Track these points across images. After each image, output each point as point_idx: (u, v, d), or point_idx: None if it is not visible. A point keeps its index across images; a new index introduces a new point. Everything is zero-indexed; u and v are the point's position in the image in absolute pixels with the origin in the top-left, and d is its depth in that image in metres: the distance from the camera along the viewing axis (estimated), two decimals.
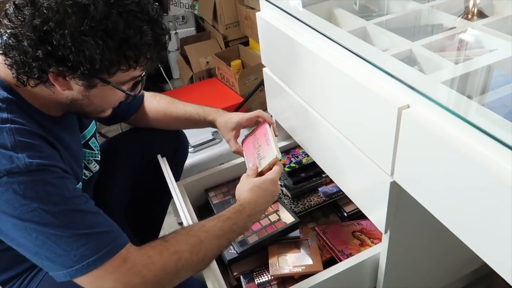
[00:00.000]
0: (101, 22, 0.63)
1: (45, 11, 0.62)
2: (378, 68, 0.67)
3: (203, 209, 1.22)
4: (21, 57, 0.64)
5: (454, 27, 0.89)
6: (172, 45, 2.46)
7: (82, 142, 0.91)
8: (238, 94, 2.03)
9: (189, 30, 2.46)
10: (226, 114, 1.07)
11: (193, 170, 1.48)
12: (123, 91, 0.74)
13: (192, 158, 1.50)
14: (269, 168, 0.88)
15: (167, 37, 0.72)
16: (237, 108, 1.89)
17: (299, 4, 1.03)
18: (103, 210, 1.04)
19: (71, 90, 0.70)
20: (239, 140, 1.06)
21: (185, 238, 0.75)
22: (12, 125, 0.66)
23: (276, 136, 0.95)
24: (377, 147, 0.72)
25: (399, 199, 0.74)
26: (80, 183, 0.84)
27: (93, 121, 0.96)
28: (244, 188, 0.86)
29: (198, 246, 0.74)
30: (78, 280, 0.68)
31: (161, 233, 1.28)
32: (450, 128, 0.56)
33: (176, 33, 2.44)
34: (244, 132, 1.09)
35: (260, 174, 0.89)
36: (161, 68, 2.39)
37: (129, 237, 1.01)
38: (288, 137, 1.27)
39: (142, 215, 1.17)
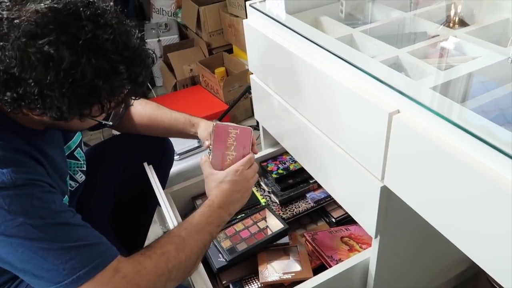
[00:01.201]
0: (68, 73, 0.59)
1: (6, 57, 0.58)
2: (368, 74, 0.68)
3: None
4: None
5: (438, 35, 0.91)
6: (155, 53, 2.44)
7: (68, 153, 0.89)
8: (222, 102, 2.03)
9: (172, 37, 2.45)
10: (209, 121, 1.07)
11: (179, 178, 1.46)
12: (101, 122, 0.73)
13: (177, 166, 1.48)
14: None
15: (150, 61, 0.69)
16: (222, 116, 1.88)
17: (286, 11, 1.04)
18: (87, 218, 1.02)
19: (47, 119, 0.67)
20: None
21: (168, 239, 0.75)
22: None
23: (255, 153, 0.94)
24: (367, 152, 0.73)
25: (389, 204, 0.75)
26: (66, 196, 0.82)
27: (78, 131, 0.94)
28: (210, 187, 0.87)
29: (181, 244, 0.75)
30: None
31: (147, 242, 1.26)
32: (441, 132, 0.58)
33: (159, 40, 2.43)
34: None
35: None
36: None
37: (115, 245, 1.00)
38: (275, 143, 1.27)
39: (127, 223, 1.15)
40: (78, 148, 0.93)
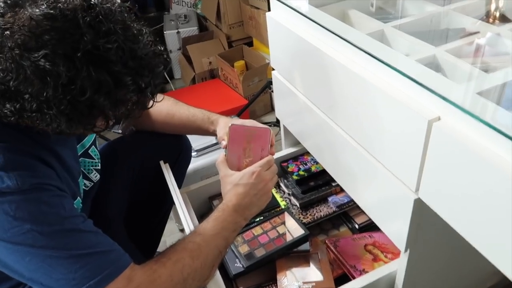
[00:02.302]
0: (66, 89, 0.54)
1: (1, 69, 0.53)
2: (405, 76, 0.62)
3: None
4: None
5: (477, 32, 0.84)
6: (174, 45, 2.40)
7: (82, 151, 0.85)
8: (241, 96, 1.98)
9: (192, 29, 2.40)
10: (229, 118, 1.01)
11: (196, 176, 1.42)
12: (110, 130, 0.69)
13: (195, 163, 1.44)
14: None
15: (161, 69, 0.64)
16: (241, 111, 1.83)
17: (312, 4, 0.97)
18: (102, 219, 0.99)
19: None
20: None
21: (183, 246, 0.72)
22: (2, 143, 0.61)
23: (272, 154, 0.88)
24: (401, 162, 0.67)
25: (422, 217, 0.69)
26: (78, 198, 0.79)
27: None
28: (224, 190, 0.83)
29: (197, 250, 0.72)
30: None
31: (162, 240, 1.23)
32: (487, 143, 0.51)
33: (178, 32, 2.39)
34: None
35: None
36: None
37: (129, 248, 0.96)
38: (296, 143, 1.22)
39: (142, 222, 1.12)
40: (93, 146, 0.90)
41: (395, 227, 0.75)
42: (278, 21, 0.93)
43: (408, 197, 0.67)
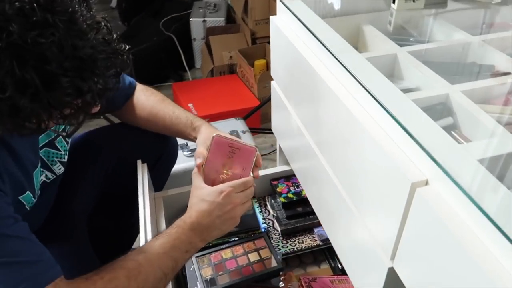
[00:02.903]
0: None
1: None
2: (396, 122, 0.50)
3: None
4: None
5: (509, 73, 0.70)
6: (199, 33, 2.33)
7: (47, 141, 0.78)
8: (255, 97, 1.88)
9: (219, 20, 2.31)
10: (213, 127, 0.92)
11: (186, 177, 1.34)
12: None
13: (186, 163, 1.36)
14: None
15: (114, 72, 0.56)
16: (251, 113, 1.74)
17: (324, 13, 0.86)
18: (66, 214, 0.93)
19: None
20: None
21: (121, 263, 0.65)
22: None
23: (255, 177, 0.79)
24: (380, 221, 0.55)
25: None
26: (28, 192, 0.72)
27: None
28: (190, 203, 0.76)
29: (136, 270, 0.65)
30: None
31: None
32: (478, 233, 0.39)
33: (204, 21, 2.30)
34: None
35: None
36: (182, 56, 2.26)
37: (84, 249, 0.89)
38: None
39: (111, 226, 1.05)
40: (60, 137, 0.82)
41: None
42: (279, 28, 0.82)
43: (382, 263, 0.55)
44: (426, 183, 0.46)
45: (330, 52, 0.65)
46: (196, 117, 0.94)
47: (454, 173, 0.42)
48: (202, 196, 0.74)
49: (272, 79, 0.98)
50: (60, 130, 0.73)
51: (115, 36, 0.57)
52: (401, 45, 0.79)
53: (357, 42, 0.90)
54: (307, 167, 0.84)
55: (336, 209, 0.71)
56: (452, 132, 0.62)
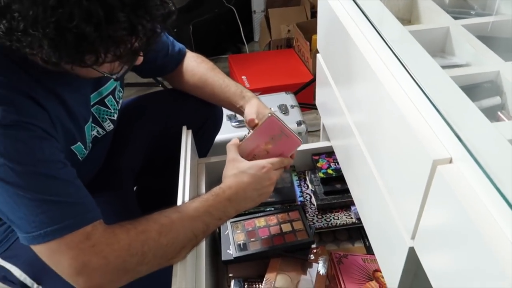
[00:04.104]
0: (54, 12, 0.51)
1: None
2: (425, 96, 0.48)
3: None
4: None
5: None
6: (259, 5, 2.31)
7: (98, 99, 0.84)
8: (310, 72, 1.85)
9: None
10: (263, 103, 0.93)
11: None
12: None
13: (234, 133, 1.39)
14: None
15: (162, 15, 0.59)
16: (302, 88, 1.72)
17: None
18: (115, 171, 1.01)
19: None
20: None
21: (156, 218, 0.69)
22: None
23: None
24: (404, 199, 0.53)
25: (420, 267, 0.56)
26: (79, 143, 0.78)
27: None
28: (229, 173, 0.77)
29: (168, 226, 0.68)
30: (36, 249, 0.63)
31: None
32: (499, 217, 0.37)
33: None
34: None
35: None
36: (241, 28, 2.27)
37: (130, 201, 0.96)
38: None
39: (157, 186, 1.11)
40: (110, 96, 0.88)
41: (390, 267, 0.62)
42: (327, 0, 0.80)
43: (403, 243, 0.54)
44: (450, 161, 0.43)
45: (371, 23, 0.62)
46: (247, 89, 0.96)
47: (479, 152, 0.39)
48: (243, 168, 0.76)
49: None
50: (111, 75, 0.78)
51: None
52: (458, 18, 0.74)
53: (411, 15, 0.85)
54: (345, 144, 0.82)
55: (367, 187, 0.69)
56: (498, 112, 0.57)
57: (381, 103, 0.57)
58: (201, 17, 2.21)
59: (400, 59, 0.54)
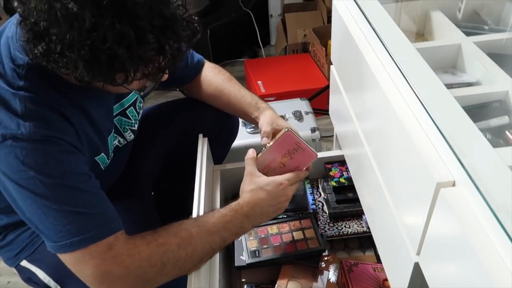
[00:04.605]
0: (89, 35, 0.55)
1: (36, 9, 0.56)
2: (430, 118, 0.49)
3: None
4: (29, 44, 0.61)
5: None
6: (276, 10, 2.33)
7: (120, 110, 0.88)
8: (325, 78, 1.86)
9: None
10: (277, 114, 0.95)
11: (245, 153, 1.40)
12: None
13: (249, 139, 1.42)
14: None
15: (188, 35, 0.63)
16: (317, 93, 1.73)
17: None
18: (134, 178, 1.05)
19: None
20: None
21: (176, 231, 0.71)
22: (26, 93, 0.65)
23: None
24: (410, 216, 0.55)
25: (425, 282, 0.57)
26: (103, 154, 0.82)
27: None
28: (246, 188, 0.79)
29: (187, 240, 0.71)
30: (62, 257, 0.67)
31: None
32: (498, 243, 0.38)
33: None
34: None
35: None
36: (257, 32, 2.29)
37: (147, 209, 1.00)
38: None
39: (174, 191, 1.15)
40: (131, 107, 0.92)
41: (397, 280, 0.64)
42: (338, 12, 0.82)
43: (409, 257, 0.56)
44: (453, 184, 0.45)
45: (380, 39, 0.64)
46: (262, 100, 0.98)
47: (479, 177, 0.41)
48: (260, 184, 0.78)
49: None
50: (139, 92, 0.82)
51: (189, 7, 0.64)
52: (471, 34, 0.74)
53: (424, 28, 0.86)
54: (355, 154, 0.84)
55: (375, 198, 0.71)
56: (506, 132, 0.58)
57: (388, 120, 0.59)
58: (218, 21, 2.24)
59: (407, 79, 0.56)
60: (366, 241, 1.02)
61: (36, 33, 0.58)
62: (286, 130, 0.79)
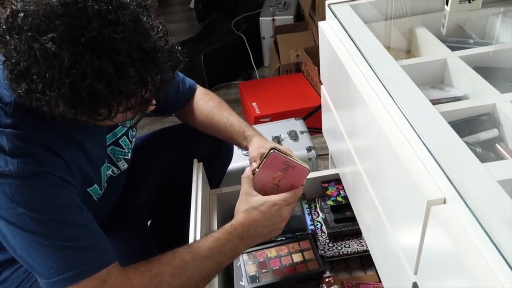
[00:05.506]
0: (68, 73, 0.55)
1: (16, 50, 0.57)
2: (418, 136, 0.49)
3: None
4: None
5: None
6: (268, 32, 2.37)
7: (112, 140, 0.88)
8: (319, 96, 1.87)
9: (287, 18, 2.33)
10: (264, 139, 0.95)
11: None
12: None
13: (244, 161, 1.40)
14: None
15: (170, 66, 0.63)
16: (312, 112, 1.74)
17: (374, 16, 0.84)
18: (130, 208, 1.04)
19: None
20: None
21: (169, 260, 0.70)
22: (13, 130, 0.65)
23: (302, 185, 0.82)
24: (405, 235, 0.55)
25: None
26: (96, 185, 0.81)
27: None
28: (241, 208, 0.78)
29: (181, 268, 0.69)
30: None
31: None
32: (490, 259, 0.38)
33: (273, 19, 2.34)
34: None
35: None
36: (251, 54, 2.32)
37: (143, 238, 0.98)
38: None
39: (171, 218, 1.14)
40: (124, 136, 0.92)
41: None
42: (324, 33, 0.83)
43: (407, 277, 0.55)
44: (444, 201, 0.44)
45: (365, 59, 0.65)
46: (249, 126, 0.98)
47: (468, 193, 0.40)
48: (254, 204, 0.77)
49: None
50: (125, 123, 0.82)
51: (171, 38, 0.64)
52: (457, 48, 0.75)
53: (410, 45, 0.87)
54: (349, 173, 0.84)
55: (371, 217, 0.70)
56: (496, 145, 0.58)
57: (377, 138, 0.59)
58: (211, 46, 2.27)
59: (393, 97, 0.56)
60: (367, 260, 1.00)
61: (18, 73, 0.58)
62: (272, 151, 0.79)
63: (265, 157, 0.80)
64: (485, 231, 0.37)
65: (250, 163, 0.88)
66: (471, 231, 0.40)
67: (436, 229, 0.44)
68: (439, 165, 0.45)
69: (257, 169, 0.81)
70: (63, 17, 0.55)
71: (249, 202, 0.78)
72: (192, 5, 3.26)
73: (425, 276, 0.50)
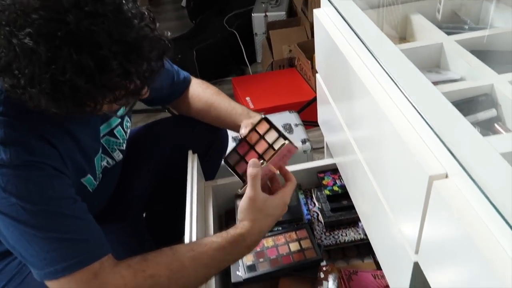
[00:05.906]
0: (47, 68, 0.53)
1: None
2: (418, 112, 0.49)
3: (232, 214, 1.12)
4: None
5: None
6: (260, 28, 2.36)
7: (107, 131, 0.87)
8: (312, 90, 1.87)
9: (280, 14, 2.33)
10: None
11: None
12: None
13: None
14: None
15: (157, 54, 0.60)
16: (306, 106, 1.74)
17: (370, 3, 0.84)
18: (125, 200, 1.03)
19: None
20: None
21: (167, 262, 0.67)
22: (6, 118, 0.63)
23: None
24: (405, 214, 0.54)
25: (428, 286, 0.56)
26: (89, 175, 0.80)
27: (122, 109, 0.91)
28: (249, 216, 0.74)
29: (179, 273, 0.67)
30: (48, 284, 0.65)
31: None
32: (496, 231, 0.38)
33: (265, 16, 2.33)
34: None
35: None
36: (243, 51, 2.31)
37: (139, 229, 0.97)
38: None
39: (166, 210, 1.13)
40: (119, 127, 0.91)
41: (398, 285, 0.62)
42: (320, 21, 0.82)
43: (408, 258, 0.54)
44: (446, 176, 0.44)
45: (363, 43, 0.64)
46: (252, 111, 0.98)
47: (471, 166, 0.40)
48: (266, 209, 0.74)
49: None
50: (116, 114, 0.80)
51: (157, 24, 0.62)
52: (452, 33, 0.75)
53: (406, 32, 0.87)
54: (347, 161, 0.84)
55: (370, 203, 0.70)
56: (495, 124, 0.58)
57: (377, 122, 0.59)
58: (204, 43, 2.26)
59: (393, 78, 0.56)
60: (364, 248, 1.00)
61: (1, 68, 0.57)
62: (286, 142, 0.78)
63: (278, 149, 0.78)
64: (491, 203, 0.37)
65: (242, 127, 0.89)
66: (475, 205, 0.40)
67: (438, 205, 0.44)
68: (441, 140, 0.44)
69: (265, 161, 0.80)
70: (40, 10, 0.53)
71: (258, 207, 0.73)
72: (183, 3, 3.24)
73: (427, 254, 0.50)
